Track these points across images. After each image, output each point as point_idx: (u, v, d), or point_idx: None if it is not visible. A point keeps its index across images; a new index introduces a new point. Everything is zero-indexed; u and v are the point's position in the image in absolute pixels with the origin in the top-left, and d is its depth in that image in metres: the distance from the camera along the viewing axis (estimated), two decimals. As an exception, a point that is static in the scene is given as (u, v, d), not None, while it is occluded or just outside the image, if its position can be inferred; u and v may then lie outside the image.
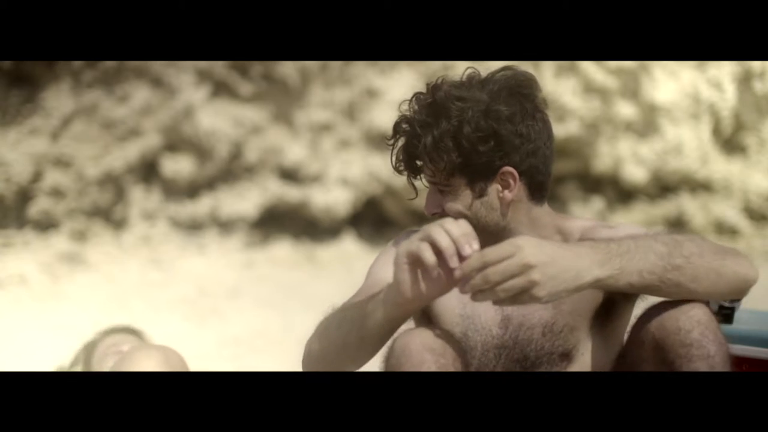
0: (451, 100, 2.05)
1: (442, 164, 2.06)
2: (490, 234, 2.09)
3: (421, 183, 2.19)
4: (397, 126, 2.13)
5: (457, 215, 2.06)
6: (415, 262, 1.79)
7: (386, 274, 2.08)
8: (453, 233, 1.78)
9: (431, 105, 2.07)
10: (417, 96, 2.12)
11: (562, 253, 1.80)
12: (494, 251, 1.78)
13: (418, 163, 2.12)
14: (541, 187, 2.12)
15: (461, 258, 1.77)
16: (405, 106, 2.13)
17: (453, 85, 2.08)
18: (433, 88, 2.08)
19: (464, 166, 2.06)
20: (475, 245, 1.78)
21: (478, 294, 1.78)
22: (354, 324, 1.91)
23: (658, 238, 1.90)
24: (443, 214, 2.08)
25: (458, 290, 1.81)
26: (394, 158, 2.16)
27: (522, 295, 1.77)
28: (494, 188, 2.09)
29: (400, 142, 2.13)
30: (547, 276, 1.77)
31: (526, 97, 2.07)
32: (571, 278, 1.80)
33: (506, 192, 2.08)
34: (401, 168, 2.17)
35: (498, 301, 1.79)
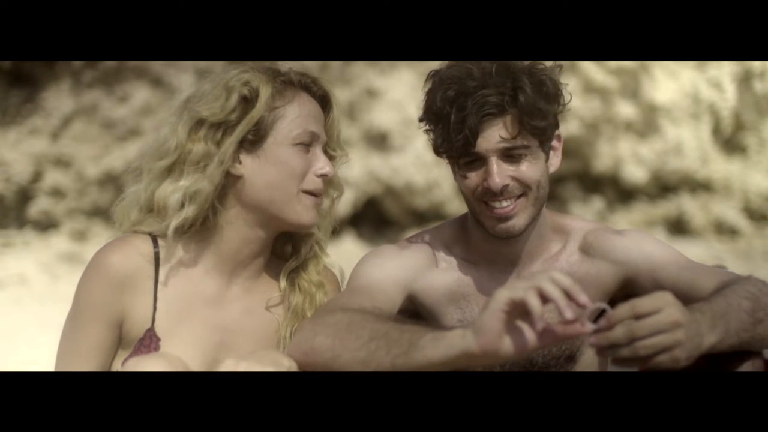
0: (515, 66, 2.04)
1: (539, 119, 2.01)
2: (538, 209, 2.09)
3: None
4: (458, 94, 2.01)
5: (535, 182, 2.04)
6: (516, 311, 1.60)
7: (382, 274, 2.06)
8: (563, 283, 1.59)
9: (497, 72, 2.01)
10: (464, 70, 2.03)
11: (690, 317, 1.67)
12: (644, 303, 1.62)
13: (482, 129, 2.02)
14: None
15: (577, 306, 1.58)
16: (439, 93, 2.04)
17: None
18: (476, 64, 2.04)
19: (547, 125, 2.04)
20: (585, 298, 1.59)
21: (612, 349, 1.61)
22: (392, 347, 1.73)
23: (739, 292, 1.84)
24: (512, 185, 2.04)
25: (589, 342, 1.63)
26: (452, 129, 2.01)
27: (662, 355, 1.62)
28: (551, 154, 2.12)
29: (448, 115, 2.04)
30: (687, 337, 1.64)
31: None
32: (697, 343, 1.68)
33: (554, 158, 2.13)
34: (461, 139, 2.02)
35: (628, 360, 1.62)
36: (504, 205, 2.05)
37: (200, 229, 2.10)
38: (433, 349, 1.67)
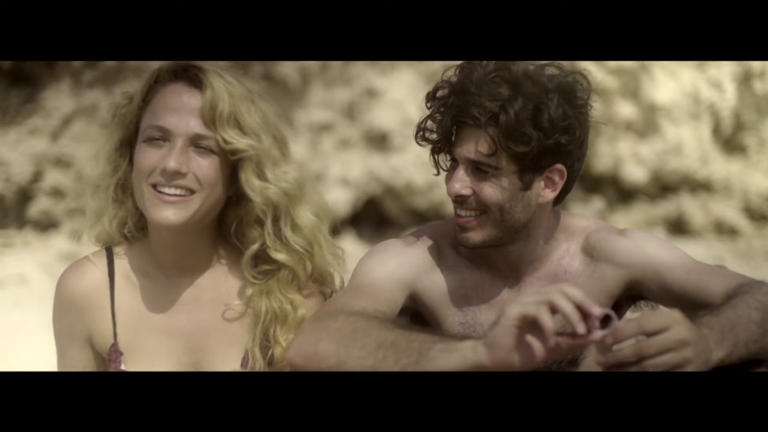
0: (530, 79, 1.97)
1: (520, 143, 1.94)
2: (509, 232, 2.04)
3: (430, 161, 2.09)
4: (452, 90, 2.00)
5: (494, 204, 2.00)
6: (527, 326, 1.61)
7: (385, 272, 2.05)
8: (575, 297, 1.59)
9: (506, 79, 1.97)
10: (475, 66, 2.00)
11: (697, 333, 1.69)
12: (652, 321, 1.64)
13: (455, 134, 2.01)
14: (566, 195, 2.09)
15: (587, 321, 1.58)
16: (450, 72, 2.03)
17: (523, 66, 1.99)
18: (501, 64, 1.99)
19: (528, 151, 1.96)
20: (598, 310, 1.60)
21: (620, 367, 1.63)
22: (400, 357, 1.71)
23: (749, 302, 1.84)
24: (472, 198, 2.01)
25: (597, 361, 1.65)
26: (427, 124, 2.04)
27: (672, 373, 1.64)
28: (538, 185, 2.02)
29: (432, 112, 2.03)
30: (695, 354, 1.66)
31: (584, 106, 2.06)
32: (706, 359, 1.70)
33: (548, 191, 2.03)
34: (432, 136, 2.04)
35: None
36: (462, 214, 2.04)
37: (142, 235, 2.08)
38: (444, 361, 1.67)
